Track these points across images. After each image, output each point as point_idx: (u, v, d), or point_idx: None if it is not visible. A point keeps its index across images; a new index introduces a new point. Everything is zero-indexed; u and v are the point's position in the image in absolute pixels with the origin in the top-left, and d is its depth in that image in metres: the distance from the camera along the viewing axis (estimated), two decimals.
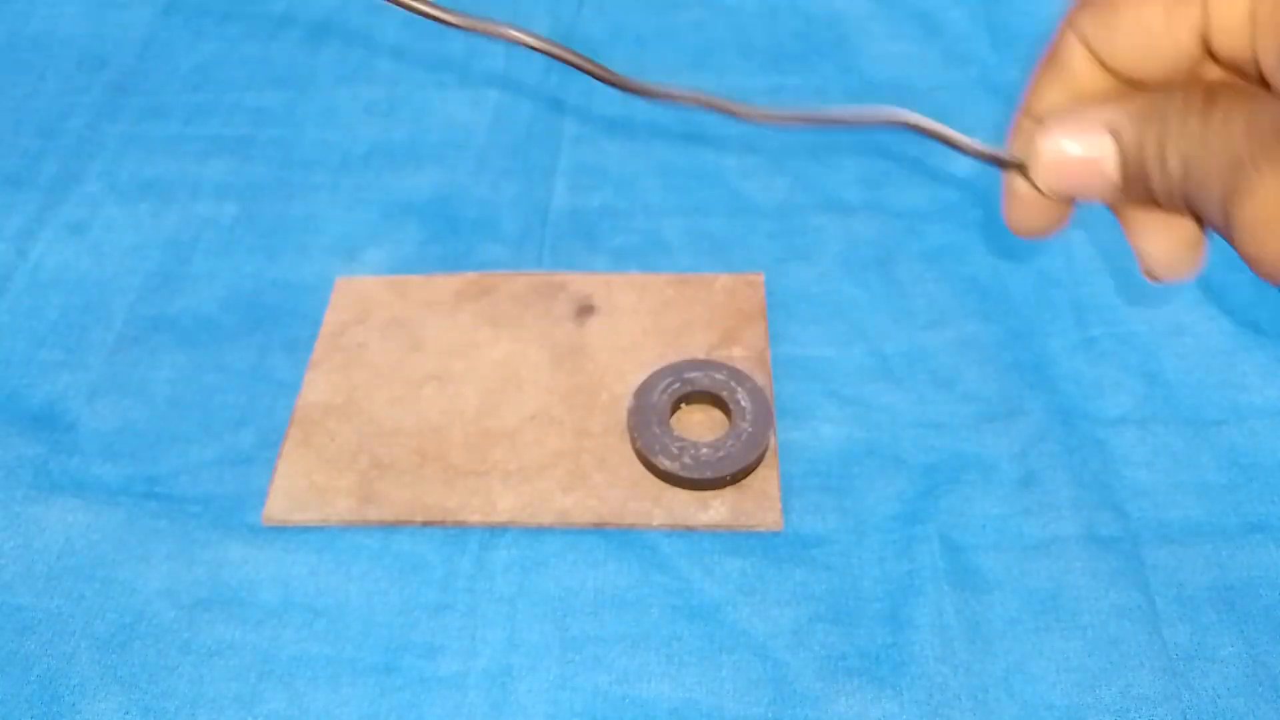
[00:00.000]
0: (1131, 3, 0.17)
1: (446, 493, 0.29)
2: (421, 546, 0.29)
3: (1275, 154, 0.14)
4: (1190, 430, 0.31)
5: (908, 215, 0.38)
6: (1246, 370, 0.32)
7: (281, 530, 0.29)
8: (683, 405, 0.31)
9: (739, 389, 0.30)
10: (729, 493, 0.29)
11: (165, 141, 0.42)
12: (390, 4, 0.19)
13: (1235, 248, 0.16)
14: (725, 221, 0.38)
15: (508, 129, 0.42)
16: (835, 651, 0.26)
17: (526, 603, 0.27)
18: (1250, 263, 0.15)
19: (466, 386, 0.32)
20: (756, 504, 0.29)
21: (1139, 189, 0.17)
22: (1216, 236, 0.18)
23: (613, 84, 0.19)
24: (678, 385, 0.31)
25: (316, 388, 0.32)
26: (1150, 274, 0.20)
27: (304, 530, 0.29)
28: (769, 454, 0.30)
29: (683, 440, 0.29)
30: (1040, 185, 0.18)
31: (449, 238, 0.38)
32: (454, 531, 0.29)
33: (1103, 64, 0.18)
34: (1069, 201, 0.19)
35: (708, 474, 0.29)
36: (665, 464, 0.29)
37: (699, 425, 0.31)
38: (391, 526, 0.29)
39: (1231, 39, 0.16)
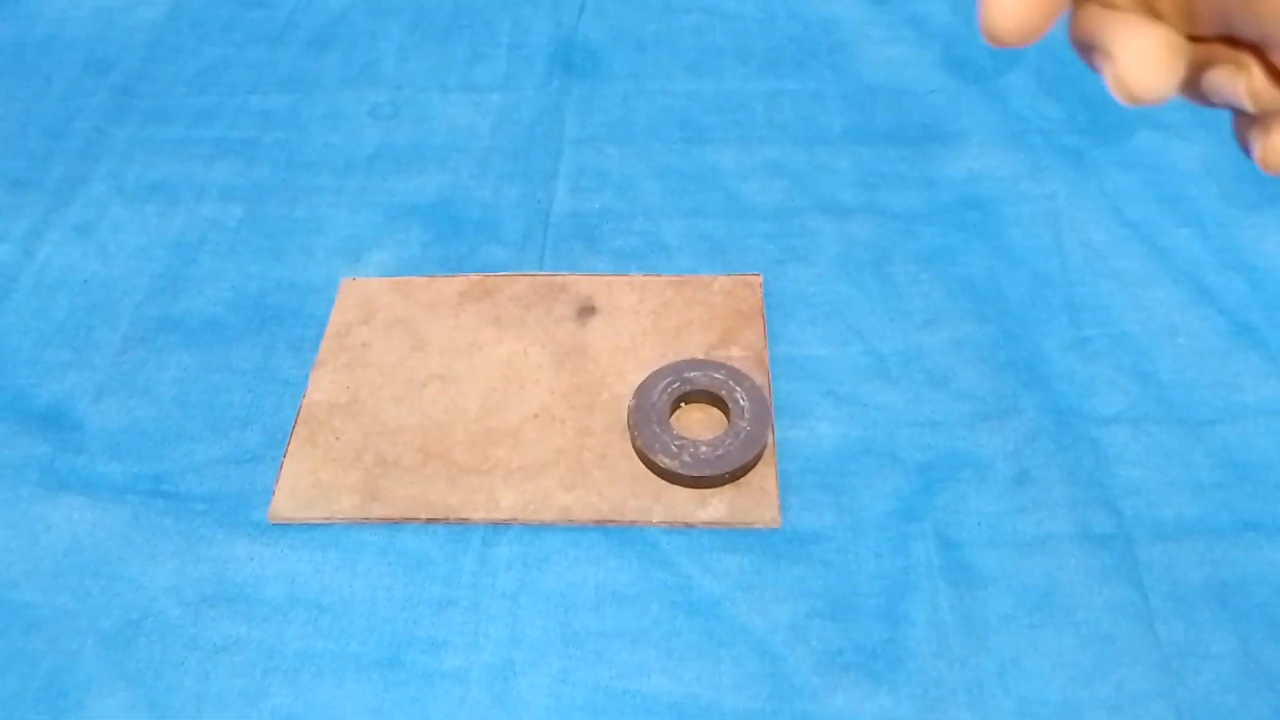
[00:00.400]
0: None
1: (450, 490, 0.30)
2: (425, 543, 0.29)
3: None
4: (1183, 429, 0.31)
5: (904, 217, 0.38)
6: (1239, 370, 0.33)
7: (287, 528, 0.29)
8: (682, 404, 0.31)
9: (737, 388, 0.31)
10: (728, 490, 0.29)
11: (171, 144, 0.42)
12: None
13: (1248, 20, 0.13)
14: (724, 223, 0.38)
15: (510, 132, 0.42)
16: (832, 646, 0.26)
17: (528, 599, 0.28)
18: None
19: (469, 386, 0.33)
20: (755, 501, 0.29)
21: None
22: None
23: None
24: (677, 384, 0.31)
25: (321, 387, 0.33)
26: (1124, 87, 0.17)
27: (309, 527, 0.29)
28: (767, 452, 0.30)
29: (682, 439, 0.30)
30: None
31: (452, 239, 0.38)
32: (457, 528, 0.29)
33: None
34: None
35: (707, 472, 0.29)
36: (665, 462, 0.29)
37: (698, 424, 0.31)
38: (395, 524, 0.29)
39: None
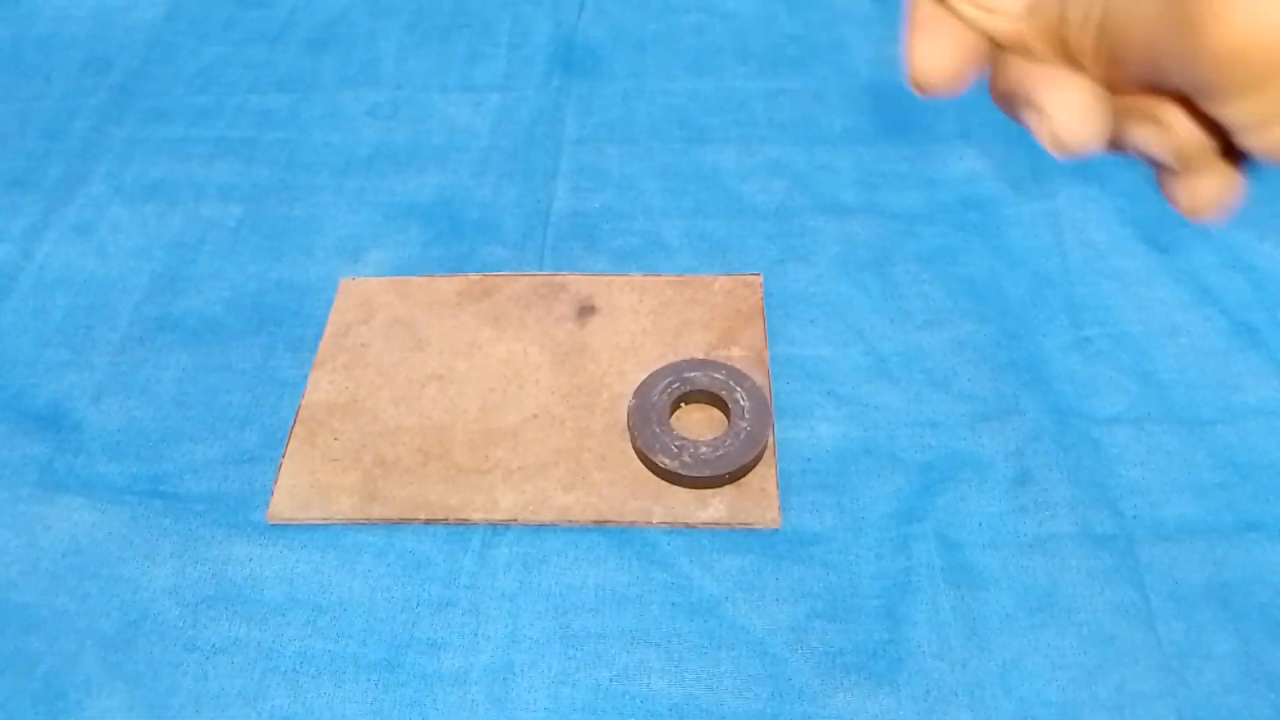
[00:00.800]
0: None
1: (449, 491, 0.30)
2: (424, 544, 0.29)
3: None
4: (1184, 429, 0.31)
5: (904, 217, 0.38)
6: (1240, 370, 0.32)
7: (286, 528, 0.29)
8: (682, 404, 0.31)
9: (738, 388, 0.31)
10: (728, 491, 0.29)
11: (170, 144, 0.42)
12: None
13: (1181, 50, 0.13)
14: (724, 223, 0.38)
15: (509, 132, 0.42)
16: (833, 648, 0.26)
17: (528, 599, 0.28)
18: (1211, 49, 0.12)
19: (469, 386, 0.32)
20: (755, 502, 0.29)
21: (1049, 16, 0.15)
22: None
23: None
24: (677, 385, 0.31)
25: (321, 387, 0.33)
26: (1057, 140, 0.17)
27: (308, 528, 0.29)
28: (767, 452, 0.30)
29: (682, 439, 0.30)
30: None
31: (451, 239, 0.38)
32: (456, 529, 0.29)
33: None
34: (976, 38, 0.16)
35: (707, 472, 0.29)
36: (665, 462, 0.29)
37: (698, 424, 0.31)
38: (395, 524, 0.29)
39: None
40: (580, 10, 0.48)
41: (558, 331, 0.34)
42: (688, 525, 0.29)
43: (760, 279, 0.36)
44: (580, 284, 0.36)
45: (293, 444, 0.31)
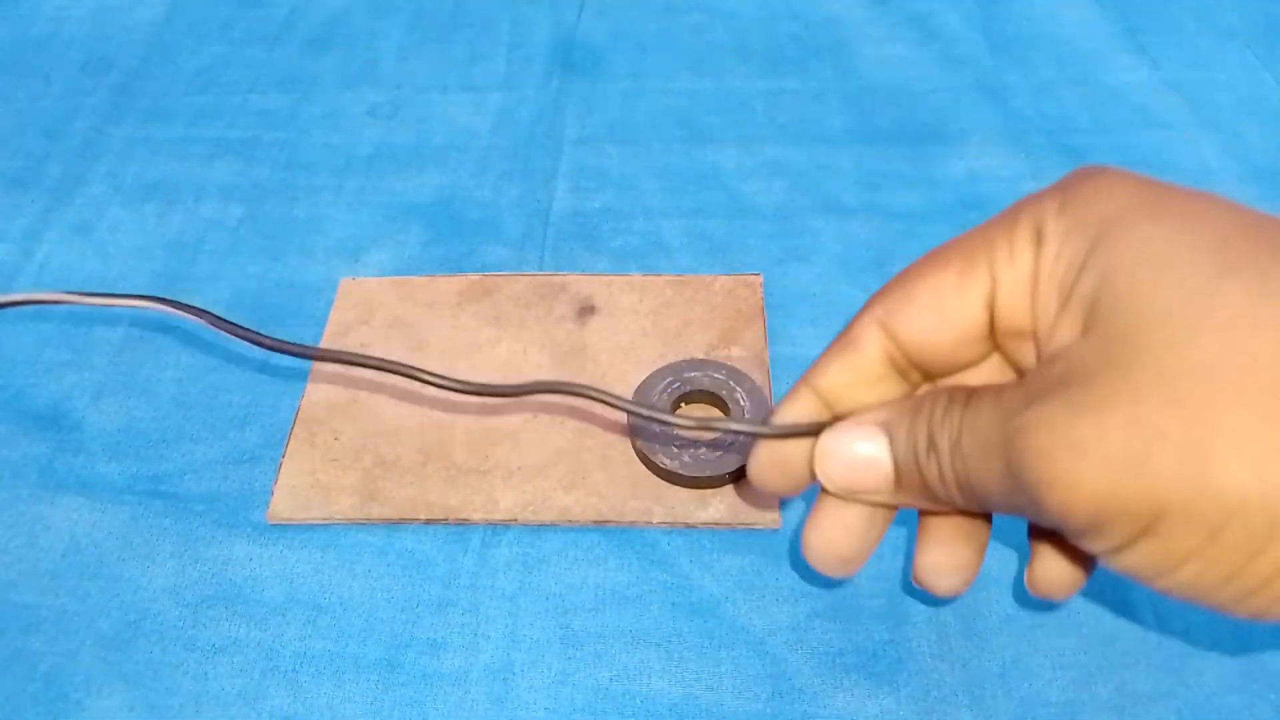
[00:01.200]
0: (929, 270, 0.18)
1: (449, 491, 0.30)
2: (424, 544, 0.29)
3: (1045, 401, 0.15)
4: None
5: (905, 217, 0.38)
6: None
7: (286, 528, 0.29)
8: (682, 404, 0.31)
9: (738, 388, 0.31)
10: (728, 491, 0.29)
11: (170, 144, 0.42)
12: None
13: (1031, 503, 0.16)
14: (724, 223, 0.38)
15: (509, 132, 0.42)
16: (833, 648, 0.26)
17: (528, 600, 0.28)
18: (1052, 506, 0.15)
19: None
20: (755, 502, 0.29)
21: (913, 482, 0.18)
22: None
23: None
24: (677, 385, 0.31)
25: (320, 387, 0.33)
26: (925, 583, 0.21)
27: (308, 528, 0.29)
28: None
29: (682, 439, 0.30)
30: (827, 482, 0.19)
31: (451, 239, 0.38)
32: (456, 529, 0.29)
33: (897, 341, 0.19)
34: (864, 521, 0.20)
35: (707, 472, 0.29)
36: (665, 462, 0.29)
37: None
38: (395, 524, 0.29)
39: (1014, 303, 0.17)
40: (580, 10, 0.48)
41: (558, 331, 0.34)
42: (688, 525, 0.29)
43: (760, 279, 0.36)
44: (580, 284, 0.36)
45: (293, 444, 0.31)
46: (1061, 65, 0.44)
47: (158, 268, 0.37)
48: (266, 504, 0.30)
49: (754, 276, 0.36)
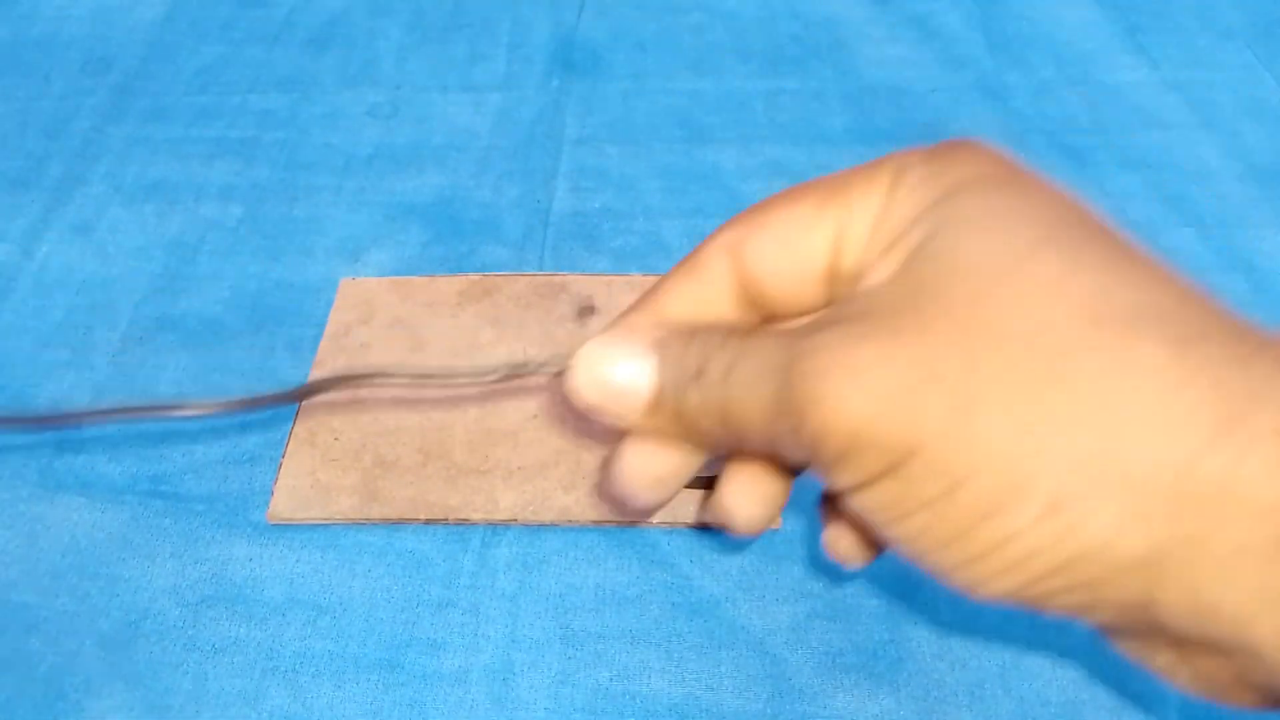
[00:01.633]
0: (785, 202, 0.18)
1: (449, 491, 0.30)
2: (424, 544, 0.29)
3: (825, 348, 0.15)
4: None
5: None
6: None
7: (285, 528, 0.29)
8: None
9: None
10: None
11: (170, 143, 0.42)
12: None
13: (791, 428, 0.16)
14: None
15: (509, 132, 0.42)
16: (833, 648, 0.26)
17: (528, 599, 0.28)
18: (813, 425, 0.15)
19: (468, 386, 0.32)
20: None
21: (667, 408, 0.17)
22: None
23: None
24: None
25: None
26: (721, 516, 0.21)
27: (308, 528, 0.29)
28: None
29: None
30: (572, 394, 0.18)
31: (451, 239, 0.38)
32: (456, 529, 0.29)
33: (743, 269, 0.18)
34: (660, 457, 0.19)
35: (707, 472, 0.29)
36: None
37: None
38: (395, 524, 0.29)
39: (854, 247, 0.17)
40: (580, 10, 0.48)
41: (558, 331, 0.34)
42: (688, 525, 0.29)
43: None
44: (580, 284, 0.36)
45: (292, 444, 0.31)
46: (1061, 65, 0.44)
47: (157, 268, 0.37)
48: (266, 504, 0.30)
49: None
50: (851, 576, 0.28)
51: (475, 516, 0.29)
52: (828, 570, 0.28)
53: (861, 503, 0.16)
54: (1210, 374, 0.14)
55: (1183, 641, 0.15)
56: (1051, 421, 0.14)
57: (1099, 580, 0.15)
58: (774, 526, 0.29)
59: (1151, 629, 0.15)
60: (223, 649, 0.27)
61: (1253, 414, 0.14)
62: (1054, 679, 0.26)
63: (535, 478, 0.30)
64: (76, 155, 0.42)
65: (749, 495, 0.20)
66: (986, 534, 0.14)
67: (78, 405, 0.23)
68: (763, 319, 0.19)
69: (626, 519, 0.24)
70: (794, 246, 0.18)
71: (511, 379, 0.20)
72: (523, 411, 0.32)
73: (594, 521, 0.29)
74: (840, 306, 0.16)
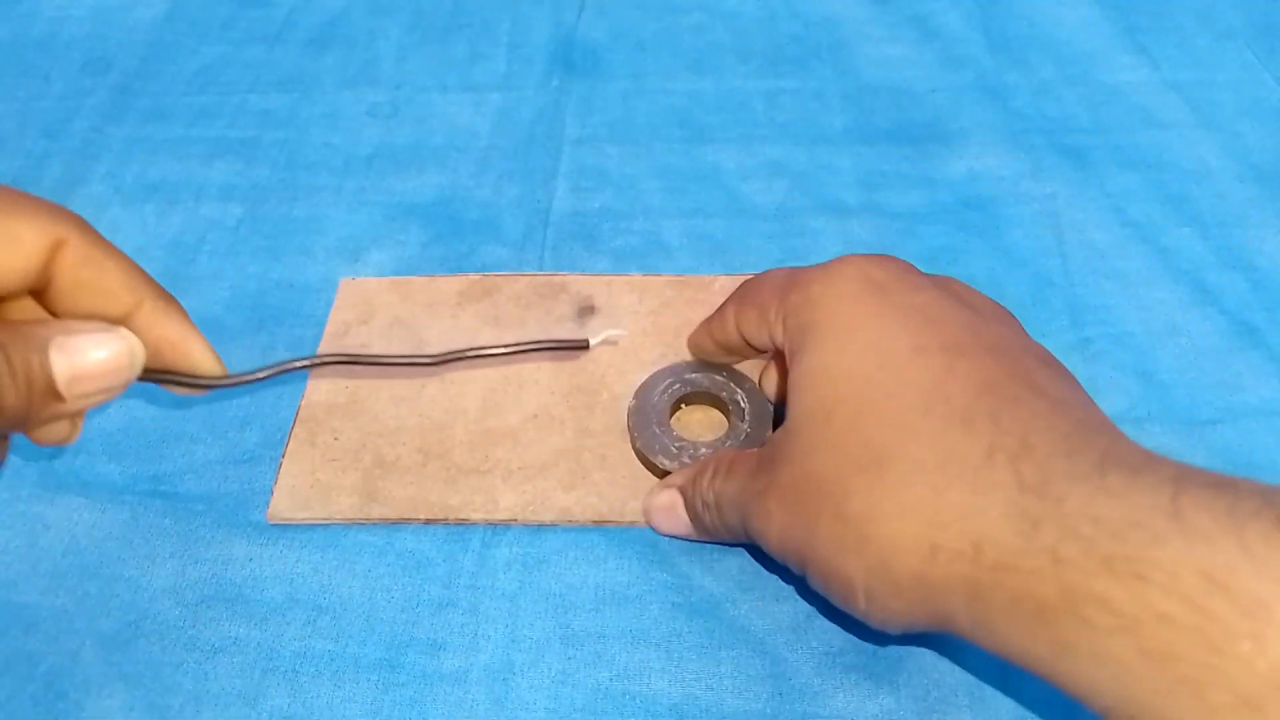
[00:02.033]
0: (751, 303, 0.27)
1: (449, 491, 0.30)
2: (424, 544, 0.29)
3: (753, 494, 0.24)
4: (1185, 430, 0.31)
5: (905, 217, 0.38)
6: (1240, 370, 0.32)
7: (285, 528, 0.29)
8: (682, 405, 0.31)
9: (738, 390, 0.31)
10: None
11: (170, 144, 0.42)
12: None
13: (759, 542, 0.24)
14: (724, 223, 0.38)
15: (509, 132, 0.42)
16: (833, 647, 0.26)
17: (528, 599, 0.28)
18: (767, 547, 0.24)
19: (469, 386, 0.32)
20: None
21: (699, 525, 0.27)
22: None
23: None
24: (678, 386, 0.31)
25: (320, 387, 0.33)
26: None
27: (308, 528, 0.29)
28: None
29: (682, 440, 0.30)
30: (658, 530, 0.29)
31: (451, 239, 0.38)
32: (456, 529, 0.29)
33: (740, 330, 0.28)
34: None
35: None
36: (665, 464, 0.29)
37: (698, 425, 0.31)
38: (395, 524, 0.29)
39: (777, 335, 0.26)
40: (580, 10, 0.48)
41: (558, 331, 0.34)
42: None
43: None
44: (580, 284, 0.36)
45: (292, 444, 0.31)
46: (1061, 65, 0.44)
47: (157, 268, 0.37)
48: (266, 504, 0.30)
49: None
50: None
51: (475, 516, 0.29)
52: None
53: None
54: (931, 505, 0.20)
55: None
56: (850, 547, 0.21)
57: (929, 628, 0.21)
58: None
59: None
60: (223, 649, 0.27)
61: (953, 539, 0.20)
62: None
63: (535, 478, 0.30)
64: (76, 155, 0.42)
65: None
66: (854, 609, 0.22)
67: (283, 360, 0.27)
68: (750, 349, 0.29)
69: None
70: (757, 329, 0.27)
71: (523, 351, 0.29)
72: (523, 411, 0.32)
73: (594, 521, 0.29)
74: (766, 454, 0.24)
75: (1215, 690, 0.16)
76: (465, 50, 0.47)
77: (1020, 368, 0.21)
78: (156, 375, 0.23)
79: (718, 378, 0.31)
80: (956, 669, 0.26)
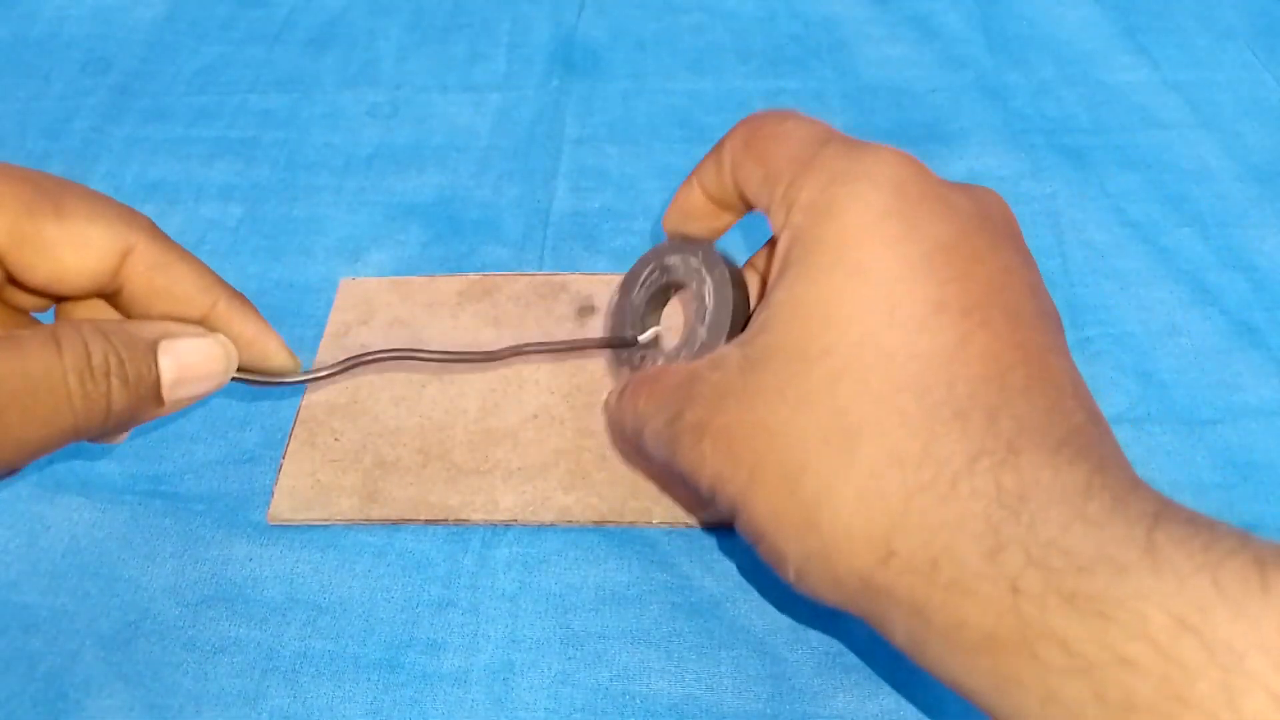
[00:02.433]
0: (758, 158, 0.23)
1: (449, 491, 0.30)
2: (424, 544, 0.29)
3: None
4: (1185, 429, 0.31)
5: None
6: (1240, 370, 0.32)
7: (286, 529, 0.29)
8: (674, 293, 0.27)
9: (706, 280, 0.25)
10: None
11: (170, 144, 0.42)
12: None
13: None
14: None
15: (509, 132, 0.42)
16: (834, 648, 0.26)
17: (528, 600, 0.28)
18: (696, 481, 0.21)
19: (469, 386, 0.32)
20: None
21: (621, 453, 0.25)
22: None
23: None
24: (658, 274, 0.26)
25: (320, 387, 0.33)
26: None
27: (308, 529, 0.29)
28: None
29: (647, 349, 0.27)
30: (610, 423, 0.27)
31: (451, 239, 0.38)
32: (456, 530, 0.29)
33: (732, 179, 0.24)
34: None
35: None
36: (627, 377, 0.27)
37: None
38: (395, 525, 0.29)
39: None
40: (580, 10, 0.48)
41: (558, 331, 0.34)
42: (688, 525, 0.29)
43: None
44: (580, 284, 0.36)
45: (293, 445, 0.31)
46: (1061, 65, 0.44)
47: None
48: (266, 504, 0.30)
49: None
50: None
51: (475, 517, 0.29)
52: None
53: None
54: (899, 504, 0.18)
55: None
56: (790, 526, 0.19)
57: (864, 619, 0.19)
58: None
59: None
60: (223, 649, 0.27)
61: (912, 547, 0.18)
62: None
63: (535, 478, 0.30)
64: (76, 155, 0.42)
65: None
66: (781, 574, 0.20)
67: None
68: (745, 206, 0.24)
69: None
70: (755, 188, 0.23)
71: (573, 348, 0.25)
72: (523, 412, 0.32)
73: (594, 521, 0.29)
74: (714, 374, 0.21)
75: None
76: (465, 50, 0.47)
77: (1035, 345, 0.19)
78: (237, 375, 0.23)
79: (691, 260, 0.25)
80: None
